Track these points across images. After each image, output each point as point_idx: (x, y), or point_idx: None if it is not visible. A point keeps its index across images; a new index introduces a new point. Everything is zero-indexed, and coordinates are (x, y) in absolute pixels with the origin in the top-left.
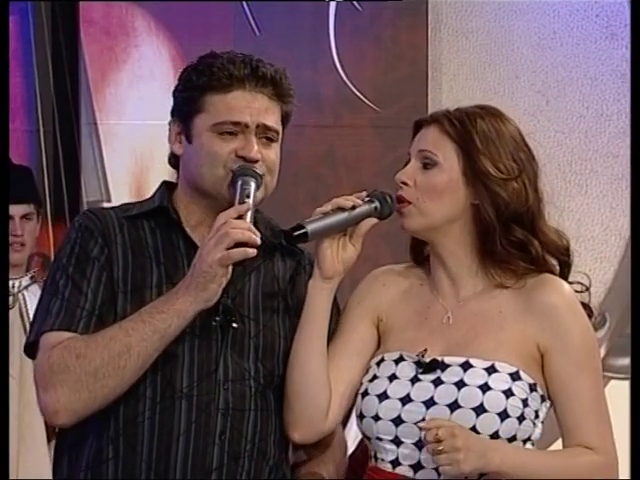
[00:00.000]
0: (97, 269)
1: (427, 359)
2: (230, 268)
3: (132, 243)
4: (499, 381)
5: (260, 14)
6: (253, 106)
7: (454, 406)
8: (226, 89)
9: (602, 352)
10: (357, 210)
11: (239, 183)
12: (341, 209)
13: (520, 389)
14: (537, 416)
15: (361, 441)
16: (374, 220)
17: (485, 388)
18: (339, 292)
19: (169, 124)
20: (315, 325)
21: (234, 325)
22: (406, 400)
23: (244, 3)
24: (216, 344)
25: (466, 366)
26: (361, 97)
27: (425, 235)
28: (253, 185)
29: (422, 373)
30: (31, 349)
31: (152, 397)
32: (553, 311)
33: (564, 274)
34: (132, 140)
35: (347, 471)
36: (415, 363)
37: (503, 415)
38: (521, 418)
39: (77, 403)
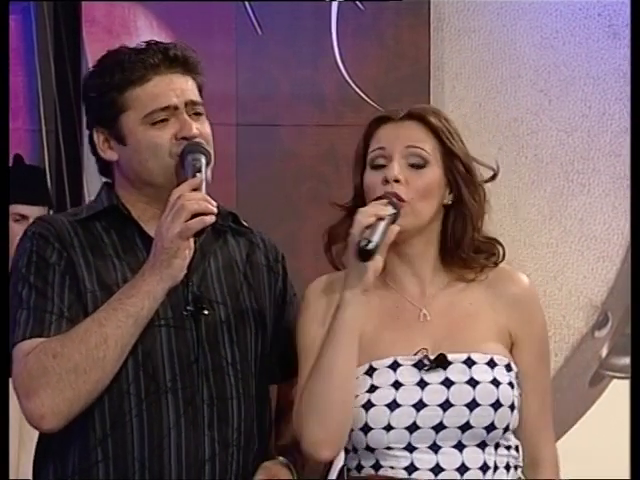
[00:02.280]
0: (58, 274)
1: (432, 356)
2: (192, 242)
3: (89, 244)
4: (502, 374)
5: (262, 13)
6: (175, 87)
7: (472, 405)
8: (144, 79)
9: (604, 351)
10: (388, 218)
11: (189, 159)
12: (380, 219)
13: (514, 379)
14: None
15: None
16: (397, 227)
17: (496, 383)
18: None
19: (90, 136)
20: (354, 341)
21: (205, 312)
22: (420, 406)
23: (246, 3)
24: (191, 334)
25: (469, 362)
26: (363, 96)
27: (408, 235)
28: (203, 160)
29: (427, 372)
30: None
31: (137, 394)
32: (522, 301)
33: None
34: None
35: None
36: (414, 365)
37: (512, 407)
38: (514, 408)
39: (62, 404)
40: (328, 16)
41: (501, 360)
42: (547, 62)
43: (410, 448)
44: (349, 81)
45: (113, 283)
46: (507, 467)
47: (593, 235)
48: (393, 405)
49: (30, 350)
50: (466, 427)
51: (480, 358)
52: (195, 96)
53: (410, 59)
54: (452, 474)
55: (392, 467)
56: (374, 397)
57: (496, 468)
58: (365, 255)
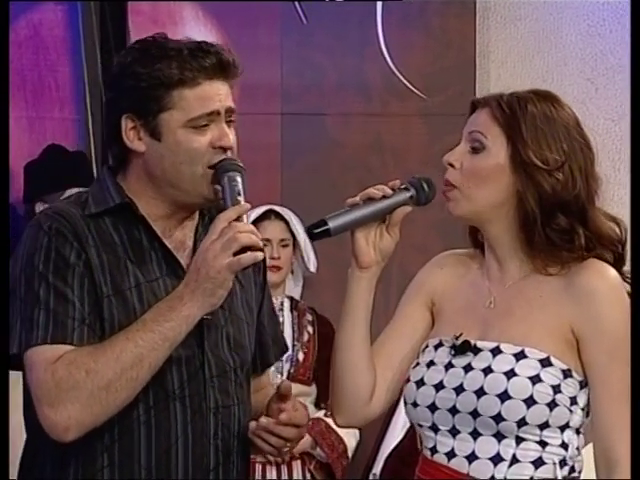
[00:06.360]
0: (78, 275)
1: (459, 341)
2: None
3: (102, 243)
4: (526, 367)
5: (307, 2)
6: (220, 92)
7: (480, 393)
8: (195, 81)
9: None
10: (388, 200)
11: (225, 180)
12: (371, 199)
13: (550, 375)
14: (574, 402)
15: (408, 430)
16: (408, 208)
17: (511, 374)
18: (386, 282)
19: (111, 119)
20: (357, 314)
21: (206, 316)
22: (439, 387)
23: None
24: (195, 339)
25: (496, 351)
26: (409, 85)
27: (471, 220)
28: (239, 179)
29: (454, 356)
30: (14, 360)
31: (145, 401)
32: (591, 295)
33: (617, 266)
34: None
35: (395, 460)
36: (450, 347)
37: (529, 401)
38: (552, 405)
39: (89, 418)
40: (373, 5)
41: (534, 354)
42: (594, 50)
43: (435, 429)
44: (395, 70)
45: (126, 289)
46: (538, 462)
47: None
48: (420, 383)
49: (54, 358)
50: (475, 414)
51: (509, 348)
52: (232, 103)
53: (456, 48)
54: (461, 461)
55: (426, 447)
56: (412, 373)
57: (516, 461)
58: (310, 234)
